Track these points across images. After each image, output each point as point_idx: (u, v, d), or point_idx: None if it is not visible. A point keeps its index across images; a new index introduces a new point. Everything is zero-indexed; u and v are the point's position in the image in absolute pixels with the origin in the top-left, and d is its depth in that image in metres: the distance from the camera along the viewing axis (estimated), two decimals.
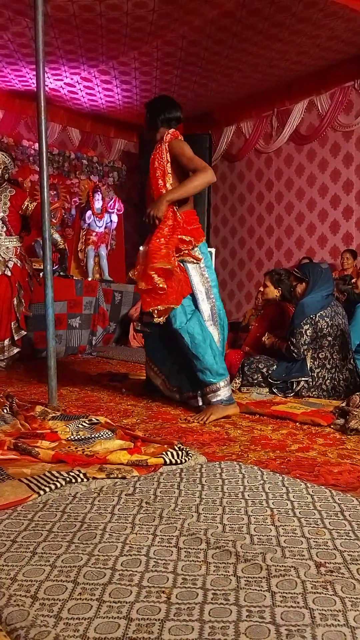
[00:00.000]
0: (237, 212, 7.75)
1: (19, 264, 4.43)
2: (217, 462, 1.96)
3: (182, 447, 2.06)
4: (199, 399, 3.00)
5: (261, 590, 1.08)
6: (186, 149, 2.95)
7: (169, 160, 2.97)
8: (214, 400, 2.85)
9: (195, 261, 2.96)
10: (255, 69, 5.97)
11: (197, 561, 1.20)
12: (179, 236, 2.91)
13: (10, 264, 4.37)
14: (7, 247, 4.38)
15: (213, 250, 7.27)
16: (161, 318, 2.89)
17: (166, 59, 5.61)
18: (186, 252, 2.95)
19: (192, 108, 7.14)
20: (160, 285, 2.82)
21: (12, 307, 4.40)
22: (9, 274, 4.35)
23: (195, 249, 2.97)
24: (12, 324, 4.38)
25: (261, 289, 4.12)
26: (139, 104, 6.88)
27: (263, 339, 3.69)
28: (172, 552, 1.25)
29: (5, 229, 4.39)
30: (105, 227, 7.16)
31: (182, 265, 2.95)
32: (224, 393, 2.86)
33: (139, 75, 6.04)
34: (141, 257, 2.98)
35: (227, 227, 7.89)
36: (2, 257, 4.34)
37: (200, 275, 2.98)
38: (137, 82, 6.22)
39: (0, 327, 4.33)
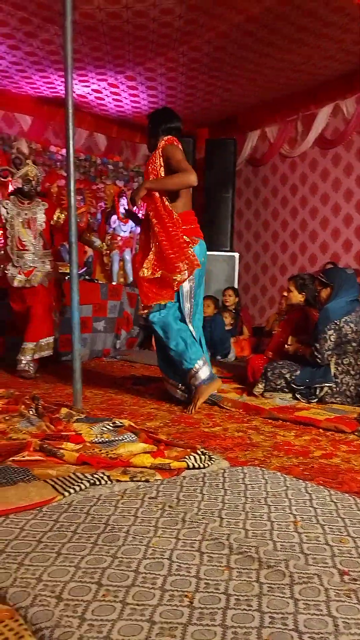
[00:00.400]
0: (261, 216, 7.72)
1: (54, 276, 4.57)
2: (240, 467, 1.96)
3: (204, 451, 2.06)
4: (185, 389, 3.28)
5: (284, 597, 1.08)
6: (177, 153, 3.10)
7: (162, 164, 3.13)
8: (197, 383, 3.11)
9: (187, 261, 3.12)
10: (281, 73, 5.95)
11: (220, 566, 1.21)
12: (184, 237, 3.10)
13: (50, 276, 4.49)
14: (44, 261, 4.47)
15: (236, 254, 7.27)
16: (145, 310, 3.21)
17: (191, 64, 5.63)
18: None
19: (217, 113, 7.15)
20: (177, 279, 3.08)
21: (53, 321, 4.51)
22: (46, 285, 4.45)
23: (190, 249, 3.14)
24: (47, 339, 4.43)
25: (285, 293, 4.10)
26: None
27: (286, 344, 3.68)
28: (194, 556, 1.25)
29: (42, 242, 4.49)
30: (130, 232, 7.21)
31: None
32: (203, 374, 3.11)
33: (164, 81, 6.07)
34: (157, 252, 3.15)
35: (251, 232, 7.86)
36: (40, 271, 4.43)
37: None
38: (163, 87, 6.25)
39: (35, 330, 4.36)
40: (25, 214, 4.43)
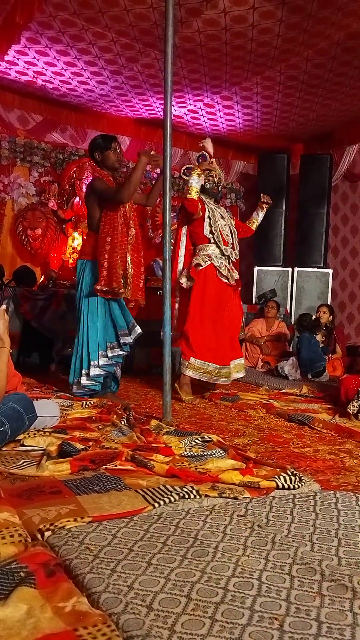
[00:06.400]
0: (358, 232, 7.50)
1: None
2: (332, 492, 1.90)
3: (295, 472, 2.02)
4: None
5: None
6: None
7: None
8: None
9: None
10: None
11: (311, 592, 1.17)
12: None
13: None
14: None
15: (330, 271, 7.09)
16: None
17: (289, 82, 5.60)
18: None
19: (313, 129, 7.06)
20: None
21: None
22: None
23: None
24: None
25: None
26: (260, 126, 6.93)
27: None
28: (285, 579, 1.23)
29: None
30: None
31: None
32: None
33: (260, 99, 6.09)
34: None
35: (347, 248, 7.64)
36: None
37: None
38: (258, 105, 6.27)
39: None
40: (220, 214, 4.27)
